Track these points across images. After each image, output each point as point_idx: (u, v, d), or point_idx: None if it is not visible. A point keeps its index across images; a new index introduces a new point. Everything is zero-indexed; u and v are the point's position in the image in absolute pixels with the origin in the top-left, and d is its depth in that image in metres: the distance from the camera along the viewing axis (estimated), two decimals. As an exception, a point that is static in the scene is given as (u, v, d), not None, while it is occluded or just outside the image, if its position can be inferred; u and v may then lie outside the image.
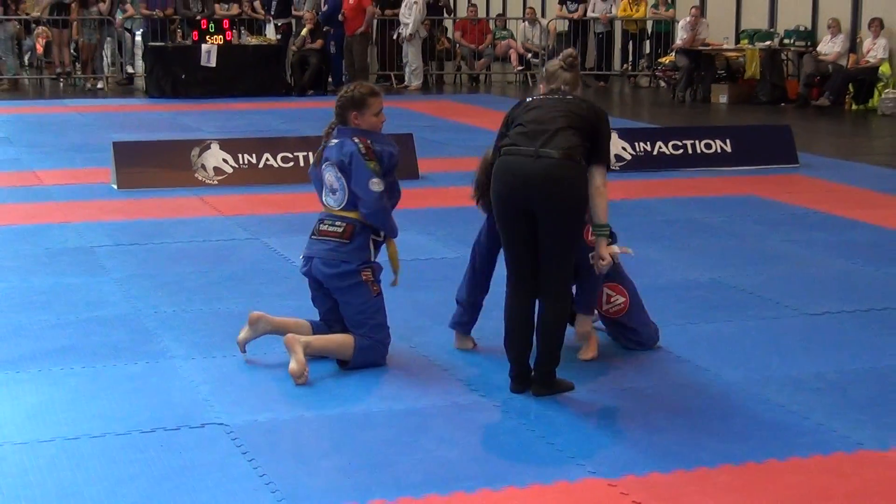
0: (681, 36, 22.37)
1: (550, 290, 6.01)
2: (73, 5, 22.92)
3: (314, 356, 6.34)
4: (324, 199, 6.54)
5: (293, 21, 24.07)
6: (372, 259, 6.47)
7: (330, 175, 6.43)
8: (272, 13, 24.10)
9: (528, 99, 6.19)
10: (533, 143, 5.92)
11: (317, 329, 6.57)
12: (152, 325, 7.16)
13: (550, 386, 6.04)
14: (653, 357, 6.63)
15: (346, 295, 6.43)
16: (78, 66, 23.71)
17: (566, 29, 25.93)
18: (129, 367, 6.39)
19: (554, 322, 6.04)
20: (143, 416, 5.65)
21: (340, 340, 6.40)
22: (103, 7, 23.37)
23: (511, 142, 6.03)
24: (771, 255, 9.17)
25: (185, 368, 6.38)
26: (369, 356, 6.39)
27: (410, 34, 23.52)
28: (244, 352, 6.56)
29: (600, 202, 6.01)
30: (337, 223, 6.42)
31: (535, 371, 6.06)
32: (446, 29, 26.89)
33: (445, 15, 26.63)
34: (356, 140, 6.36)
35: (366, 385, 6.14)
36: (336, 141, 6.45)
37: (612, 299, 6.71)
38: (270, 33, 23.82)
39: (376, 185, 6.32)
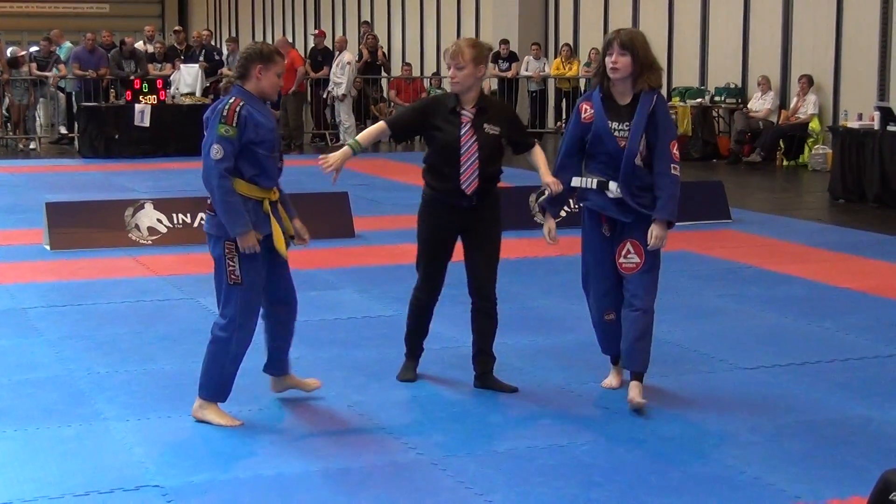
0: (613, 94, 22.54)
1: None
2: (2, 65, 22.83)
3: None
4: None
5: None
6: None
7: None
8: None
9: None
10: None
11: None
12: (86, 387, 7.09)
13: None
14: (589, 412, 6.65)
15: (216, 269, 6.31)
16: (10, 126, 23.56)
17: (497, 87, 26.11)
18: (63, 430, 6.32)
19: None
20: (77, 480, 5.57)
21: None
22: (35, 68, 23.28)
23: None
24: (705, 310, 9.24)
25: (118, 430, 6.31)
26: (210, 370, 6.34)
27: (343, 94, 23.58)
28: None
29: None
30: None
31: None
32: (382, 88, 26.98)
33: (383, 73, 26.72)
34: (231, 100, 6.14)
35: (303, 444, 6.10)
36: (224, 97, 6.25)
37: (629, 255, 6.72)
38: (198, 90, 23.77)
39: (215, 151, 6.05)
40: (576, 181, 6.81)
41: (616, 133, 6.62)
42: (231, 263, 6.17)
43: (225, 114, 6.07)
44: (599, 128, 6.66)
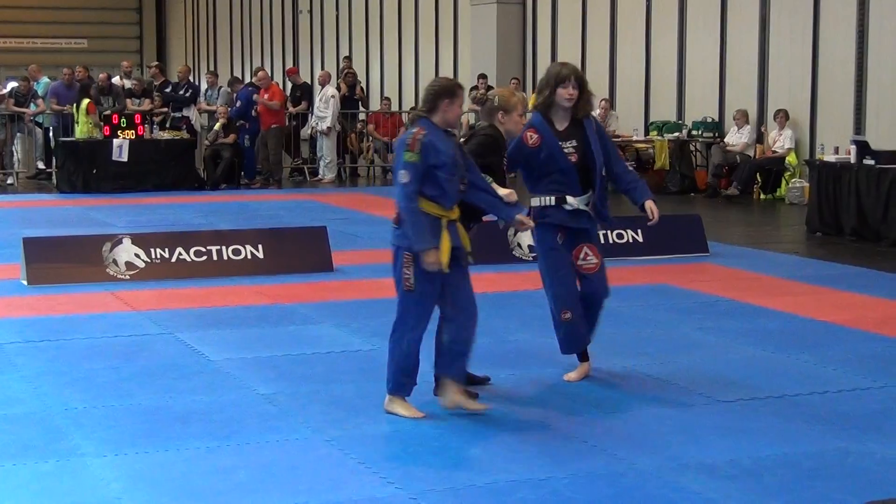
0: (590, 127, 22.61)
1: None
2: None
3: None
4: None
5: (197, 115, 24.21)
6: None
7: None
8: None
9: None
10: None
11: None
12: (63, 423, 7.06)
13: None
14: (568, 447, 6.64)
15: (394, 274, 7.06)
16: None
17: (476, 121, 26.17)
18: (40, 466, 6.28)
19: None
20: (53, 516, 5.55)
21: None
22: (12, 103, 23.23)
23: None
24: (684, 343, 9.25)
25: (95, 466, 6.28)
26: (389, 367, 7.13)
27: (328, 127, 23.62)
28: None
29: None
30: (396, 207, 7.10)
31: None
32: (363, 122, 27.00)
33: (361, 108, 26.74)
34: (413, 130, 6.96)
35: (281, 480, 6.08)
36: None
37: (588, 257, 7.84)
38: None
39: (402, 175, 6.87)
40: (534, 201, 7.80)
41: (565, 150, 7.70)
42: (406, 272, 6.95)
43: (409, 142, 6.90)
44: (552, 148, 7.70)
